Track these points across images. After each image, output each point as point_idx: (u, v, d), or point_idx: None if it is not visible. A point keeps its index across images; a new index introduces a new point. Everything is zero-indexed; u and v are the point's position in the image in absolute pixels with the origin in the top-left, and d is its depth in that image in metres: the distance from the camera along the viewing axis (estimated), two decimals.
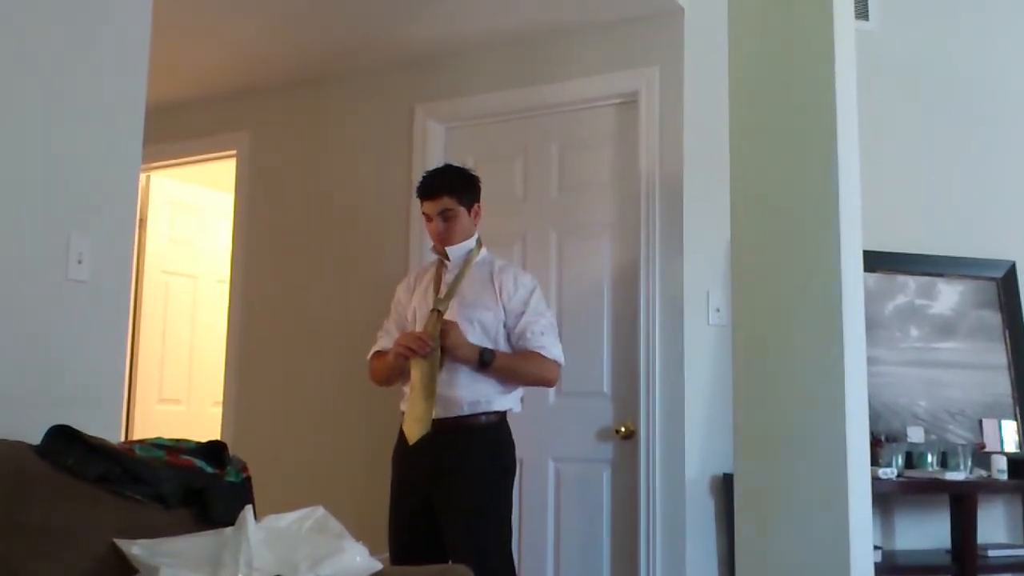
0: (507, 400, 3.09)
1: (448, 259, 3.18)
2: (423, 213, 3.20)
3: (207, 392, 5.13)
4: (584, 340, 3.72)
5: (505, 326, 3.08)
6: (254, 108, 4.64)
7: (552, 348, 3.08)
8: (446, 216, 3.14)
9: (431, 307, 3.09)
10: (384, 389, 3.35)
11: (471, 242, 3.20)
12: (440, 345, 3.01)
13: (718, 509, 3.48)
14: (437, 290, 3.15)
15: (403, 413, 3.13)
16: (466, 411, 3.01)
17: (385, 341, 3.26)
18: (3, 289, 2.45)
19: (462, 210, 3.16)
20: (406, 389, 3.13)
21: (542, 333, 3.07)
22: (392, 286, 3.39)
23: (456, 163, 3.47)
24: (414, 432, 3.01)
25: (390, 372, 3.17)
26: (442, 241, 3.16)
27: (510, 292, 3.10)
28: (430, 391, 3.00)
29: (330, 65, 4.34)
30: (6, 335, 2.46)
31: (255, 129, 4.64)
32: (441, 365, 3.01)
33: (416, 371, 3.03)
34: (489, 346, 3.04)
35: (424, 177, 3.24)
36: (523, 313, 3.08)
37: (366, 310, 3.78)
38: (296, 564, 2.09)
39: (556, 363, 3.09)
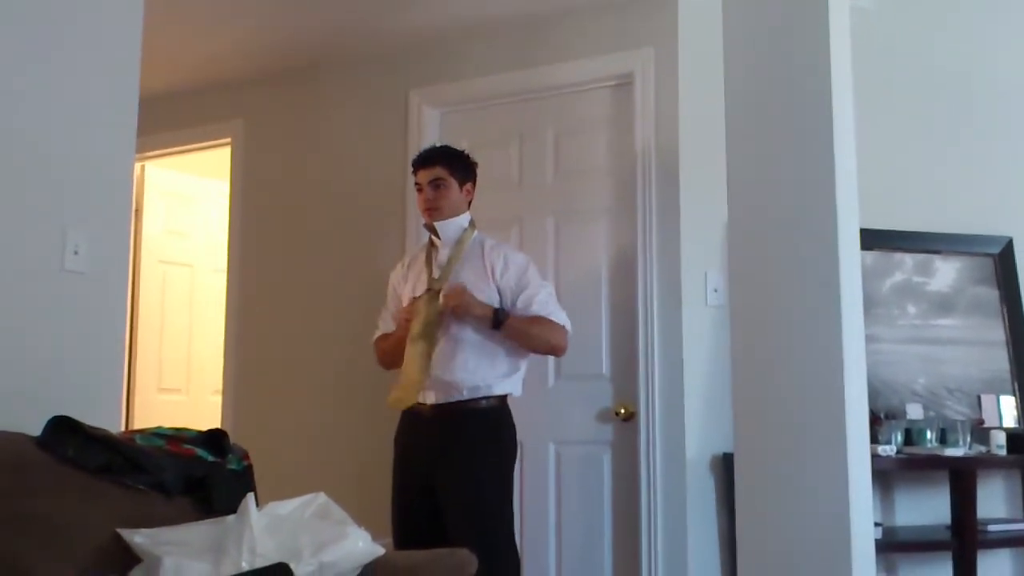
0: (507, 384, 3.10)
1: (438, 236, 3.18)
2: (416, 184, 3.22)
3: (206, 381, 5.13)
4: (583, 323, 3.71)
5: (502, 304, 3.09)
6: (248, 96, 4.62)
7: (559, 314, 3.09)
8: (436, 184, 3.16)
9: (426, 289, 3.10)
10: (384, 375, 3.36)
11: (462, 220, 3.20)
12: (439, 319, 3.02)
13: (719, 488, 3.49)
14: (430, 272, 3.15)
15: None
16: (466, 396, 3.02)
17: (384, 328, 3.30)
18: (0, 281, 2.45)
19: (453, 182, 3.18)
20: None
21: (546, 302, 3.09)
22: (389, 272, 3.40)
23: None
24: (400, 399, 3.03)
25: (397, 349, 3.17)
26: (430, 211, 3.16)
27: (501, 271, 3.11)
28: (424, 367, 3.00)
29: (324, 52, 4.32)
30: (4, 327, 2.46)
31: (249, 117, 4.63)
32: (437, 341, 3.03)
33: (411, 347, 3.03)
34: (484, 328, 3.04)
35: (421, 150, 3.33)
36: (523, 288, 3.08)
37: (363, 296, 3.78)
38: (299, 551, 2.10)
39: (564, 328, 3.10)
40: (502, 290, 3.09)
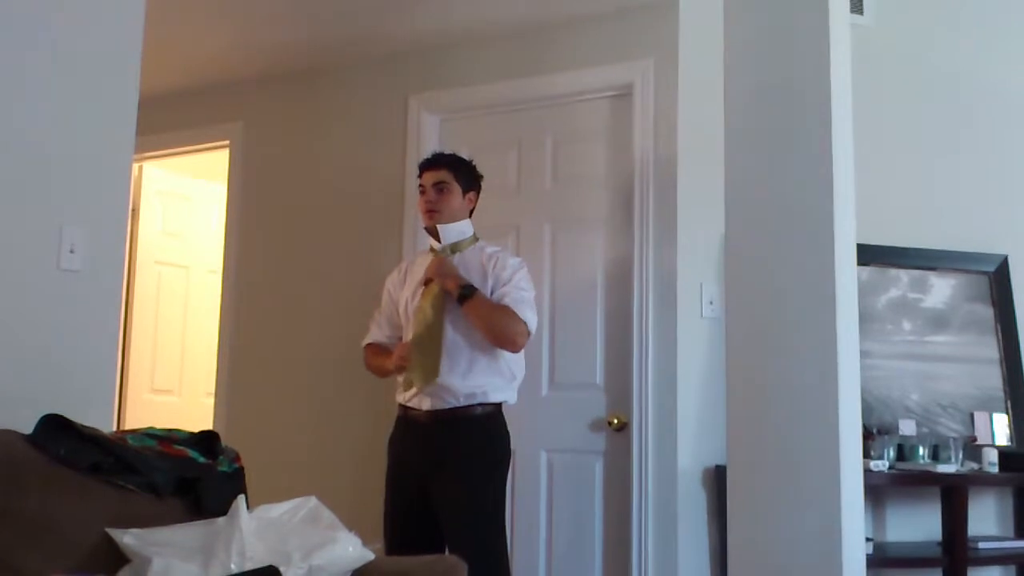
0: (504, 392, 3.10)
1: (438, 240, 3.18)
2: (419, 186, 3.23)
3: (199, 382, 5.12)
4: (577, 332, 3.72)
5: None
6: (247, 99, 4.63)
7: (526, 312, 3.05)
8: (440, 188, 3.18)
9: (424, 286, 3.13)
10: (378, 381, 3.37)
11: (464, 227, 3.22)
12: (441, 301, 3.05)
13: (710, 500, 3.49)
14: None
15: (400, 405, 3.14)
16: (462, 402, 3.02)
17: (376, 333, 3.30)
18: None
19: (456, 188, 3.19)
20: (400, 379, 3.14)
21: (519, 300, 3.07)
22: (385, 277, 3.39)
23: None
24: (419, 379, 3.02)
25: (385, 371, 3.21)
26: (430, 212, 3.17)
27: (496, 273, 3.11)
28: (437, 345, 3.02)
29: (324, 56, 4.32)
30: None
31: (248, 120, 4.63)
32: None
33: (421, 327, 3.05)
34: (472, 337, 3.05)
35: (426, 155, 3.37)
36: (505, 284, 3.09)
37: (359, 300, 3.77)
38: (288, 554, 2.10)
39: (525, 324, 3.04)
40: (492, 286, 3.10)
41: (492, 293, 3.09)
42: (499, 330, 3.04)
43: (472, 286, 3.04)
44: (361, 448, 3.84)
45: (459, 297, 3.01)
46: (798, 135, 2.59)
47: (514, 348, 3.09)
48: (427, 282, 3.11)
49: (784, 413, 2.51)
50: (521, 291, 3.10)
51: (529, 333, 3.07)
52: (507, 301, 3.05)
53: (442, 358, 3.03)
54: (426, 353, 3.03)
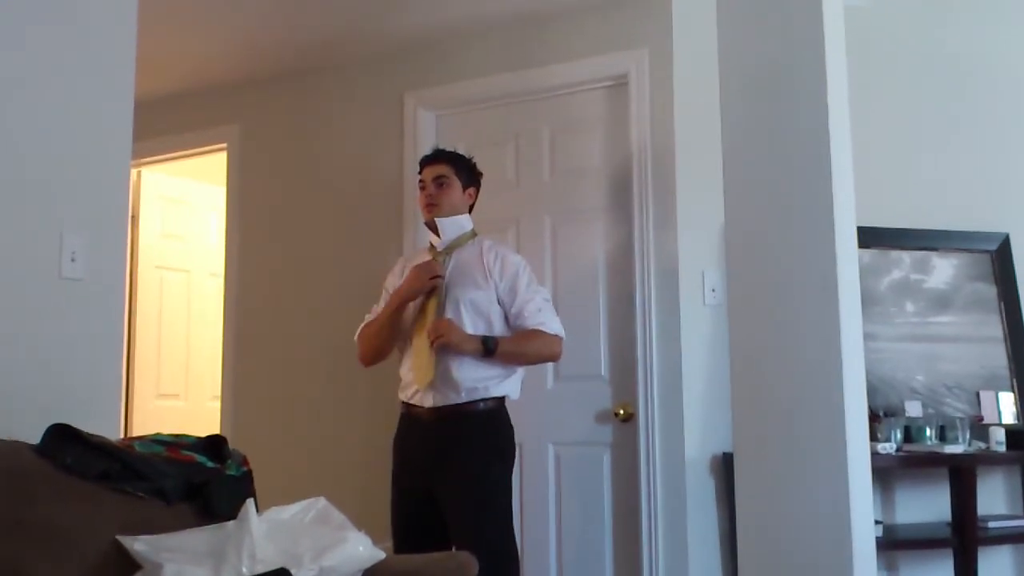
0: (505, 386, 3.10)
1: (438, 234, 3.18)
2: (420, 182, 3.23)
3: (205, 386, 5.12)
4: (581, 324, 3.72)
5: (500, 304, 3.09)
6: (243, 100, 4.62)
7: (551, 323, 3.09)
8: (439, 182, 3.19)
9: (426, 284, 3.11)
10: (382, 379, 3.36)
11: (464, 221, 3.22)
12: (439, 333, 3.01)
13: (719, 488, 3.49)
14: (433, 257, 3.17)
15: (402, 403, 3.13)
16: (464, 398, 3.02)
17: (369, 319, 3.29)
18: None
19: (456, 183, 3.20)
20: (401, 373, 3.13)
21: (539, 310, 3.08)
22: (386, 275, 3.39)
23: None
24: (421, 378, 3.02)
25: (380, 331, 3.15)
26: (430, 206, 3.18)
27: (499, 273, 3.11)
28: (432, 359, 3.01)
29: (318, 55, 4.32)
30: (2, 335, 2.45)
31: (245, 122, 4.62)
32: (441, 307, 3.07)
33: (417, 333, 3.06)
34: (483, 327, 3.05)
35: (426, 151, 3.39)
36: (516, 293, 3.09)
37: (360, 299, 3.75)
38: (299, 556, 2.10)
39: (558, 337, 3.10)
40: (499, 291, 3.10)
41: (500, 297, 3.08)
42: (537, 358, 3.18)
43: (490, 337, 3.02)
44: (368, 446, 3.84)
45: (486, 353, 3.01)
46: (795, 119, 2.58)
47: (557, 360, 3.26)
48: (433, 338, 3.00)
49: (789, 398, 2.51)
50: (535, 295, 3.11)
51: (562, 339, 3.12)
52: (528, 321, 3.06)
53: (445, 354, 3.01)
54: (426, 354, 3.03)
